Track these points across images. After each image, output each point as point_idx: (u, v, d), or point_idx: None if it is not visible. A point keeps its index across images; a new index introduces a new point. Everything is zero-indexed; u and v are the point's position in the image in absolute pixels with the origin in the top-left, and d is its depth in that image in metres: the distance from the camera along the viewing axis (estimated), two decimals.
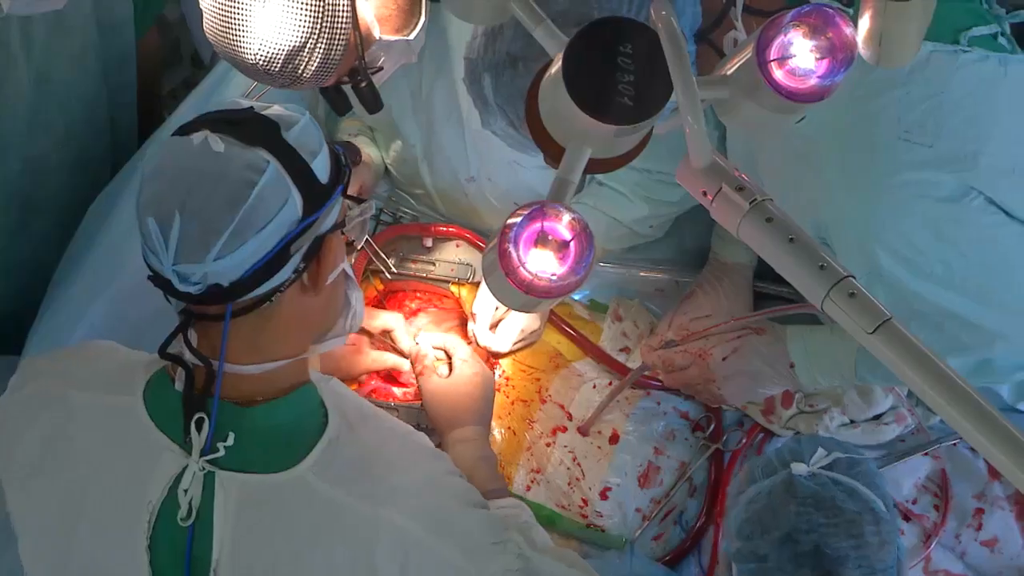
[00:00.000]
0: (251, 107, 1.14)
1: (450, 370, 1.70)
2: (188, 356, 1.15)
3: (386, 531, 1.13)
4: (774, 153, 1.52)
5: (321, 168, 1.14)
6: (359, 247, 1.28)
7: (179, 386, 1.16)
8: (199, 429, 1.13)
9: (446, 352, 1.72)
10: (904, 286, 1.38)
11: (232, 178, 1.08)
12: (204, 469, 1.14)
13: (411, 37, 1.49)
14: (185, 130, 1.12)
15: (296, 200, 1.10)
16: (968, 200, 1.36)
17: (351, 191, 1.22)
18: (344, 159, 1.19)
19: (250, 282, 1.10)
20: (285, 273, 1.13)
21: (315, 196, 1.12)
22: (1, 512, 1.32)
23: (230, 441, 1.13)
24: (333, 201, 1.16)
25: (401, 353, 1.79)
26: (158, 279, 1.12)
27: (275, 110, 1.15)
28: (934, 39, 1.38)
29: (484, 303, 1.82)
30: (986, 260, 1.38)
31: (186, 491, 1.13)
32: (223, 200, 1.07)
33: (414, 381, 1.76)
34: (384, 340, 1.80)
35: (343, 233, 1.22)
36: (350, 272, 1.29)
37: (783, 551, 1.26)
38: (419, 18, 1.49)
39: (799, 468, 1.30)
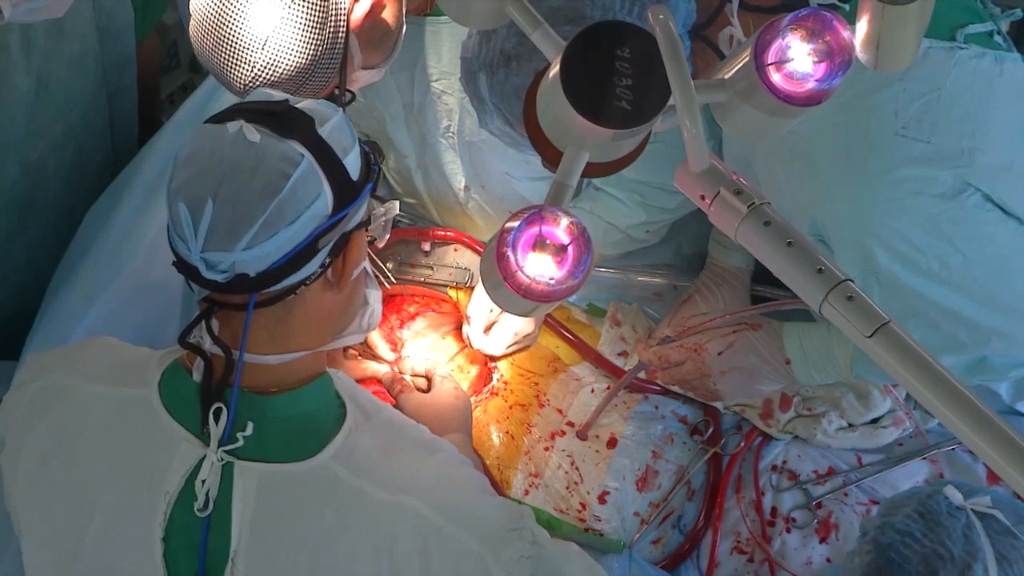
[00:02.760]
0: (286, 100, 1.15)
1: (429, 388, 1.71)
2: (208, 345, 1.15)
3: (406, 518, 1.14)
4: (770, 151, 1.52)
5: (353, 165, 1.15)
6: (380, 246, 1.30)
7: (197, 376, 1.16)
8: (217, 419, 1.13)
9: (427, 377, 1.73)
10: (901, 283, 1.38)
11: (267, 169, 1.08)
12: (223, 459, 1.14)
13: (384, 70, 1.55)
14: (220, 119, 1.12)
15: (327, 195, 1.11)
16: (965, 197, 1.36)
17: None
18: (373, 158, 1.20)
19: (277, 274, 1.11)
20: (311, 267, 1.13)
21: (346, 192, 1.13)
22: (4, 512, 1.32)
23: (249, 431, 1.13)
24: (363, 198, 1.16)
25: (383, 360, 1.80)
26: (184, 265, 1.12)
27: (309, 104, 1.15)
28: (931, 35, 1.38)
29: (479, 306, 1.82)
30: (983, 258, 1.38)
31: (203, 482, 1.13)
32: (257, 190, 1.07)
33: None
34: (365, 350, 1.81)
35: (367, 231, 1.22)
36: (370, 270, 1.29)
37: (874, 536, 1.27)
38: (393, 53, 1.54)
39: (953, 493, 1.29)
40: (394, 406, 1.66)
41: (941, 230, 1.36)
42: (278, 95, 1.16)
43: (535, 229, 0.96)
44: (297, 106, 1.14)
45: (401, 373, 1.75)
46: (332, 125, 1.13)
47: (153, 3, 1.88)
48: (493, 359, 1.87)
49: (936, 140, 1.36)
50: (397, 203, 1.28)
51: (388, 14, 1.48)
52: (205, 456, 1.14)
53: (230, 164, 1.08)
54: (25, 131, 1.70)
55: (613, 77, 0.96)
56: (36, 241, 1.82)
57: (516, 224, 0.95)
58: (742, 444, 1.75)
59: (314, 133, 1.11)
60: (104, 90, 1.84)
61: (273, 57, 1.35)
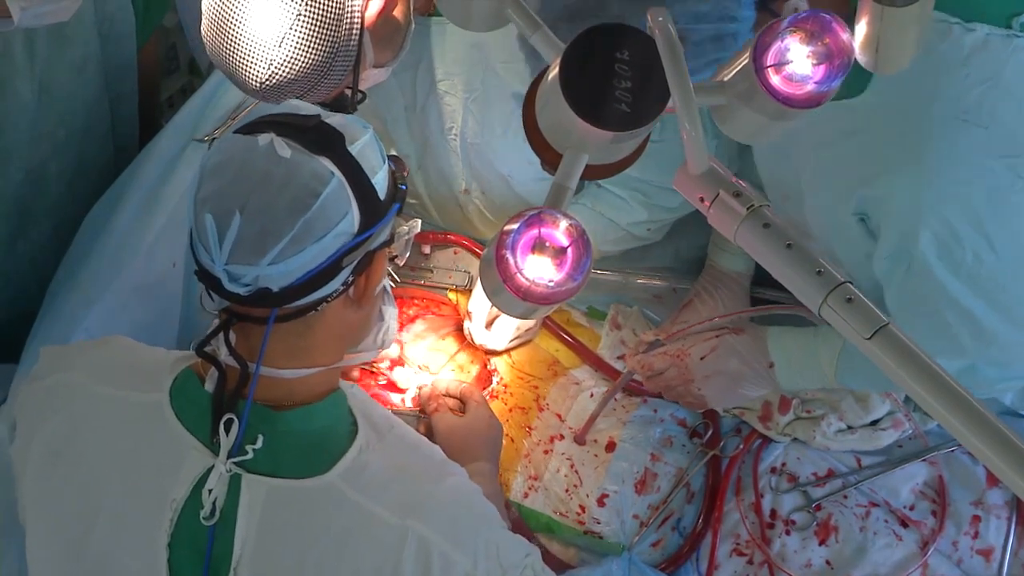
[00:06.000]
0: (318, 115, 1.14)
1: (463, 410, 1.72)
2: (224, 356, 1.15)
3: (412, 542, 1.13)
4: (815, 129, 1.50)
5: (381, 184, 1.14)
6: (401, 263, 1.30)
7: (209, 386, 1.16)
8: (227, 430, 1.13)
9: (460, 399, 1.74)
10: (930, 272, 1.37)
11: (297, 185, 1.07)
12: (231, 471, 1.13)
13: (392, 68, 1.54)
14: (249, 130, 1.12)
15: (355, 214, 1.11)
16: (1015, 191, 1.35)
17: None
18: (399, 176, 1.20)
19: (300, 290, 1.10)
20: (334, 285, 1.13)
21: (373, 212, 1.13)
22: (8, 509, 1.32)
23: (259, 444, 1.13)
24: (389, 219, 1.16)
25: None
26: (206, 276, 1.11)
27: (339, 120, 1.15)
28: (988, 22, 1.37)
29: (479, 302, 1.82)
30: (1015, 261, 1.37)
31: (210, 491, 1.13)
32: (286, 206, 1.07)
33: (414, 386, 1.80)
34: None
35: (390, 249, 1.22)
36: (388, 288, 1.29)
37: None
38: (402, 51, 1.53)
39: None
40: (421, 421, 1.70)
41: (983, 225, 1.35)
42: (307, 108, 1.16)
43: (534, 231, 0.96)
44: (328, 121, 1.13)
45: (435, 391, 1.76)
46: (363, 143, 1.13)
47: (154, 6, 1.88)
48: (495, 354, 1.87)
49: (993, 128, 1.35)
50: (419, 221, 1.28)
51: (398, 11, 1.48)
52: (214, 465, 1.14)
53: (260, 177, 1.08)
54: (28, 136, 1.70)
55: (612, 79, 0.96)
56: (38, 245, 1.82)
57: (515, 226, 0.95)
58: (741, 446, 1.75)
59: (344, 151, 1.11)
60: (106, 95, 1.84)
61: (290, 54, 1.34)
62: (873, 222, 1.44)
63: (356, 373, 1.80)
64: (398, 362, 1.84)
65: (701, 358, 1.71)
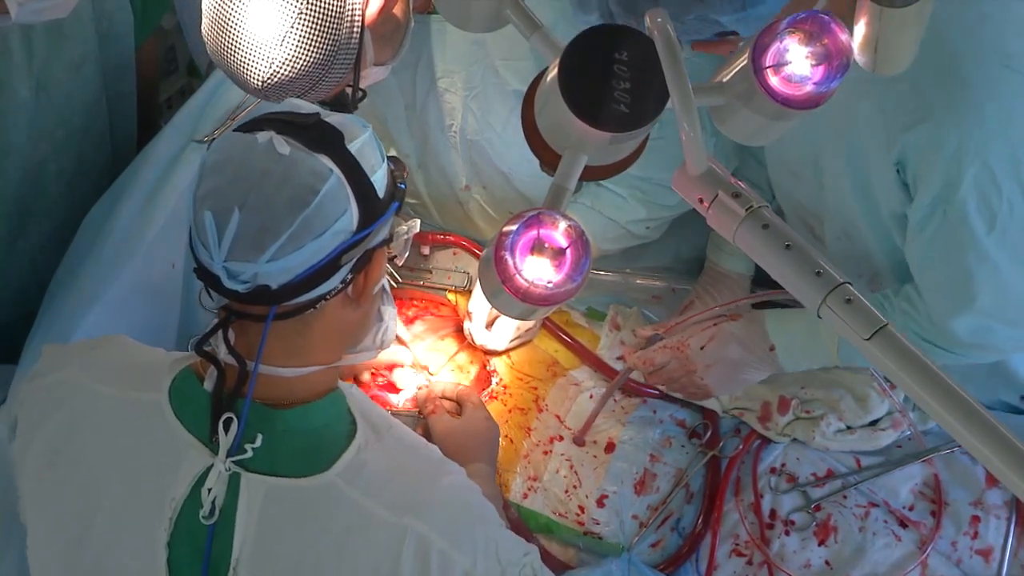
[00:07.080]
0: (317, 113, 1.15)
1: (460, 412, 1.73)
2: (223, 354, 1.15)
3: (411, 540, 1.13)
4: (857, 84, 1.49)
5: (380, 183, 1.15)
6: (400, 263, 1.30)
7: (209, 385, 1.16)
8: (227, 429, 1.13)
9: (457, 401, 1.74)
10: (964, 219, 1.37)
11: (296, 182, 1.08)
12: (230, 469, 1.14)
13: (391, 67, 1.54)
14: (249, 128, 1.12)
15: (353, 212, 1.11)
16: None
17: None
18: (398, 175, 1.21)
19: (299, 287, 1.10)
20: (333, 283, 1.13)
21: (371, 210, 1.13)
22: (8, 508, 1.32)
23: (258, 443, 1.13)
24: (388, 217, 1.17)
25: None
26: (204, 273, 1.12)
27: (338, 119, 1.15)
28: None
29: (479, 302, 1.82)
30: None
31: (210, 490, 1.13)
32: (285, 203, 1.07)
33: (413, 387, 1.80)
34: None
35: (388, 248, 1.22)
36: (387, 288, 1.29)
37: None
38: (401, 49, 1.54)
39: None
40: (419, 422, 1.70)
41: (1021, 173, 1.35)
42: (307, 107, 1.16)
43: (533, 232, 0.96)
44: (327, 120, 1.14)
45: (432, 393, 1.76)
46: (362, 141, 1.14)
47: (152, 6, 1.88)
48: (494, 355, 1.87)
49: None
50: (418, 221, 1.29)
51: (397, 9, 1.48)
52: (213, 464, 1.14)
53: (259, 174, 1.08)
54: (26, 135, 1.70)
55: (611, 80, 0.96)
56: (37, 245, 1.83)
57: (514, 228, 0.95)
58: (740, 447, 1.75)
59: (343, 149, 1.11)
60: (104, 94, 1.84)
61: (291, 53, 1.34)
62: (911, 173, 1.43)
63: (367, 376, 1.81)
64: (397, 363, 1.84)
65: (701, 347, 1.71)
